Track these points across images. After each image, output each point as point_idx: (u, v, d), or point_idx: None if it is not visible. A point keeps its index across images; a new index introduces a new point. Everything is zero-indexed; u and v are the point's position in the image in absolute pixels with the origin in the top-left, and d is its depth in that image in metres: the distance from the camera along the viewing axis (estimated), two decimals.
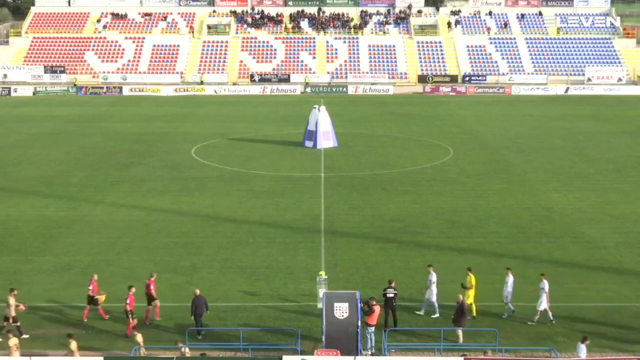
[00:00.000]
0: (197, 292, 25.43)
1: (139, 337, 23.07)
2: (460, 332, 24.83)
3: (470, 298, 26.22)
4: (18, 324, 24.97)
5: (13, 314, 25.09)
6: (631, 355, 22.80)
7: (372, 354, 23.77)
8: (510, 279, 26.59)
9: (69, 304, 27.27)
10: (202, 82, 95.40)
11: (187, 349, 22.59)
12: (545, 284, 25.99)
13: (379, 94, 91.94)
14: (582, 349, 22.29)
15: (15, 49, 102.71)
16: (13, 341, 22.56)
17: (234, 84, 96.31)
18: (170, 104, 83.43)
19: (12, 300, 25.22)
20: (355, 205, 40.46)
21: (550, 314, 26.03)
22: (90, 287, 26.37)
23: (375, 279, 28.49)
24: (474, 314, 26.29)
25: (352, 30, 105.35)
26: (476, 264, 31.07)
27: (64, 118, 71.64)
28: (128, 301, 25.22)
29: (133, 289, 25.58)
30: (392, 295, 25.54)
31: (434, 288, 26.59)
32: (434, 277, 26.72)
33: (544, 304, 25.94)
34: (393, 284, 25.84)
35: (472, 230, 36.21)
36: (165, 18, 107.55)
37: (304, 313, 26.85)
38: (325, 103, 68.95)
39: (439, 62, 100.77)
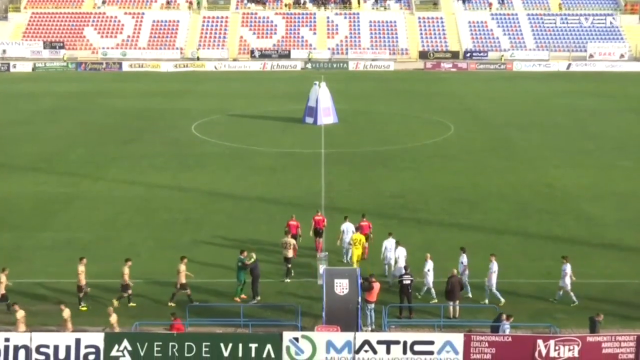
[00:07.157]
0: (253, 255, 25.99)
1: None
2: (457, 307, 24.81)
3: (355, 257, 27.78)
4: (129, 292, 25.56)
5: (183, 280, 25.49)
6: (631, 331, 22.80)
7: (372, 331, 23.78)
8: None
9: (69, 279, 27.21)
10: (198, 58, 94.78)
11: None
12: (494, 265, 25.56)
13: (380, 70, 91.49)
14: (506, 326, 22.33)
15: (14, 25, 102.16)
16: (20, 314, 22.74)
17: (234, 59, 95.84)
18: (170, 80, 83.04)
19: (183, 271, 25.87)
20: (356, 182, 40.36)
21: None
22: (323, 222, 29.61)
23: (375, 256, 28.40)
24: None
25: (353, 5, 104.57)
26: (477, 240, 31.08)
27: (64, 94, 71.35)
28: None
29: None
30: (408, 282, 24.89)
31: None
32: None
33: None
34: (408, 270, 25.27)
35: (473, 207, 36.13)
36: None
37: (305, 289, 26.86)
38: (326, 79, 68.52)
39: (440, 38, 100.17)
